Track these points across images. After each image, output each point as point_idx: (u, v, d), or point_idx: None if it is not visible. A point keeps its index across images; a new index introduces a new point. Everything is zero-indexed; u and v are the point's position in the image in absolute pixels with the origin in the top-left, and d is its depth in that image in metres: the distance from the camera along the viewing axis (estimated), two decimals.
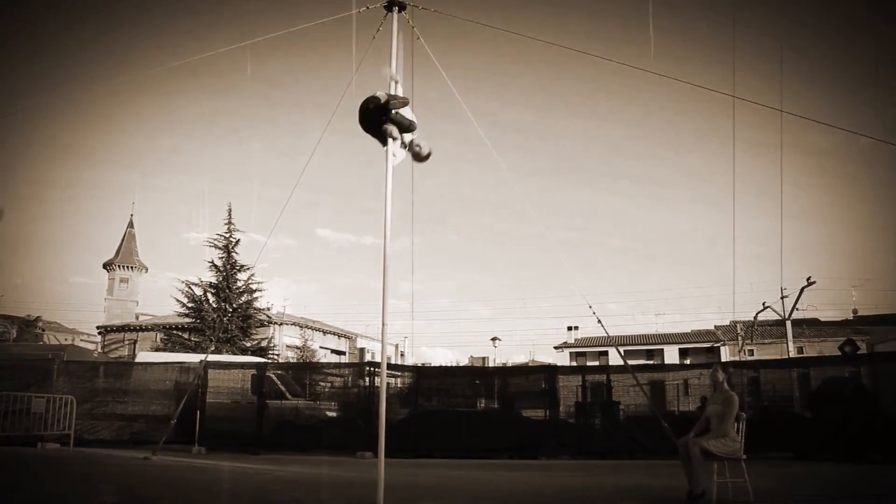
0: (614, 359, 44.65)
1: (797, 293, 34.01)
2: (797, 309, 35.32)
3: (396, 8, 7.97)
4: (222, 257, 31.30)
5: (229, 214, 31.84)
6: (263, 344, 32.10)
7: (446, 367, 29.75)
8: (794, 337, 36.83)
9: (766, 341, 42.83)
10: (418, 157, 7.29)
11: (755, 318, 37.92)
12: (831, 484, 9.39)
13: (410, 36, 8.20)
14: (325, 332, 48.44)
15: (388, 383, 15.40)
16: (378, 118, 6.97)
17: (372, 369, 16.18)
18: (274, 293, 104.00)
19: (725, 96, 8.80)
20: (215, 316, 29.74)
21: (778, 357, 30.31)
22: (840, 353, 19.04)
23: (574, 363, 49.70)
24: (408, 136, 7.15)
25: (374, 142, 7.16)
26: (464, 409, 16.48)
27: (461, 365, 49.43)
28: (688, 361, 42.03)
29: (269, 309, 35.38)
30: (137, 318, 50.75)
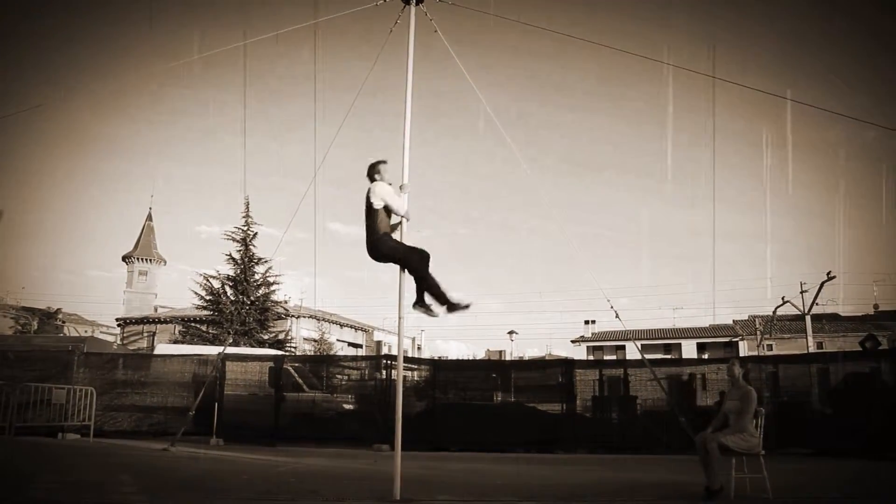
0: (631, 353, 44.54)
1: (817, 288, 33.72)
2: (817, 304, 35.01)
3: (414, 1, 7.97)
4: (240, 250, 31.42)
5: (247, 207, 31.94)
6: (281, 337, 32.29)
7: (463, 361, 29.66)
8: (813, 332, 36.49)
9: (785, 336, 42.49)
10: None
11: (774, 312, 37.63)
12: (850, 481, 9.30)
13: (428, 29, 8.20)
14: (342, 325, 48.61)
15: (404, 376, 15.49)
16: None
17: (389, 362, 16.22)
18: (287, 286, 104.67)
19: (732, 95, 8.71)
20: (233, 308, 29.92)
21: (797, 352, 30.03)
22: (861, 349, 18.78)
23: (591, 357, 49.60)
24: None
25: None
26: (480, 403, 16.46)
27: (478, 358, 49.48)
28: (706, 356, 41.75)
29: (286, 302, 35.55)
30: (156, 310, 51.24)
